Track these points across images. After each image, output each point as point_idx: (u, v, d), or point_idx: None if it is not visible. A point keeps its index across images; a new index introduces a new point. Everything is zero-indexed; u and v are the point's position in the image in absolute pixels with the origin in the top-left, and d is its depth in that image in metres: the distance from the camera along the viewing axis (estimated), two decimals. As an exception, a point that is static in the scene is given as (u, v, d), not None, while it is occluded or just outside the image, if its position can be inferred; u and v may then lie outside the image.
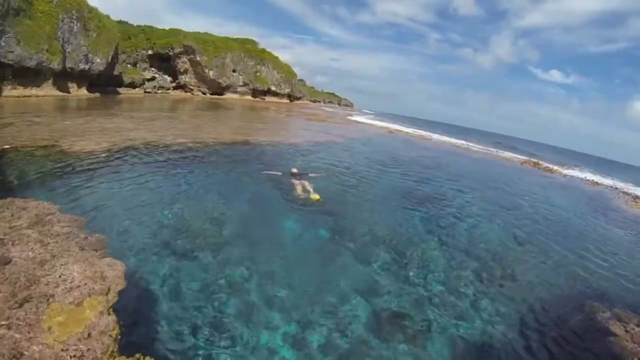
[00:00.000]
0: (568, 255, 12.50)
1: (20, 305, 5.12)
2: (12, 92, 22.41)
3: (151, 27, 51.80)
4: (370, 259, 9.64)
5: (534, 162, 42.87)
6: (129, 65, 43.99)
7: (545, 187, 27.75)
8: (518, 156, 49.68)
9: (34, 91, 24.38)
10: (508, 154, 50.97)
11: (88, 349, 4.53)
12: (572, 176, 38.36)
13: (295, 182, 13.75)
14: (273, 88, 64.29)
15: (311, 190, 13.31)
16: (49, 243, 7.03)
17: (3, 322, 4.70)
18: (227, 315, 6.30)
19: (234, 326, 6.04)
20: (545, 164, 42.99)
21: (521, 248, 12.61)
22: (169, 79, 50.12)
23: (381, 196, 16.39)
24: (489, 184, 23.51)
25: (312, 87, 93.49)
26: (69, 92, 28.83)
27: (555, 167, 42.67)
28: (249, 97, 59.35)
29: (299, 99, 75.50)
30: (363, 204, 14.68)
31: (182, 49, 48.97)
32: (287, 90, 68.80)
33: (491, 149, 55.21)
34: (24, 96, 22.94)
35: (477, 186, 21.89)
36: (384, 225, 12.52)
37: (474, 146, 53.25)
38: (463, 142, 55.92)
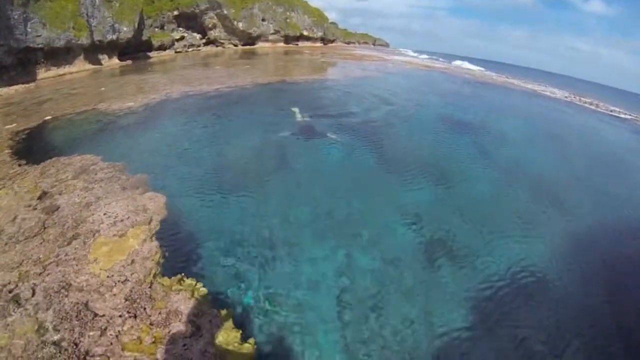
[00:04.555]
0: (618, 193, 10.71)
1: (69, 243, 5.01)
2: (47, 73, 22.85)
3: (173, -13, 50.09)
4: (412, 180, 9.07)
5: (580, 98, 36.41)
6: (156, 29, 43.17)
7: (592, 125, 23.07)
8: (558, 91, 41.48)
9: (67, 69, 24.71)
10: (551, 89, 42.47)
11: (132, 273, 4.30)
12: (620, 116, 31.12)
13: None
14: (305, 33, 60.62)
15: None
16: (93, 188, 6.97)
17: (52, 260, 4.61)
18: (264, 239, 5.92)
19: (269, 248, 5.68)
20: (589, 100, 36.51)
21: (568, 178, 11.14)
22: (198, 36, 48.78)
23: (421, 120, 15.66)
24: (530, 116, 20.94)
25: (345, 29, 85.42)
26: (101, 64, 28.98)
27: (601, 104, 35.57)
28: (282, 44, 56.61)
29: (332, 41, 70.94)
30: (404, 126, 14.13)
31: (207, 5, 46.92)
32: (319, 34, 64.48)
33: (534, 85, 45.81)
34: (59, 75, 23.37)
35: (516, 116, 19.65)
36: (427, 147, 11.79)
37: (514, 80, 45.83)
38: (502, 75, 48.63)
